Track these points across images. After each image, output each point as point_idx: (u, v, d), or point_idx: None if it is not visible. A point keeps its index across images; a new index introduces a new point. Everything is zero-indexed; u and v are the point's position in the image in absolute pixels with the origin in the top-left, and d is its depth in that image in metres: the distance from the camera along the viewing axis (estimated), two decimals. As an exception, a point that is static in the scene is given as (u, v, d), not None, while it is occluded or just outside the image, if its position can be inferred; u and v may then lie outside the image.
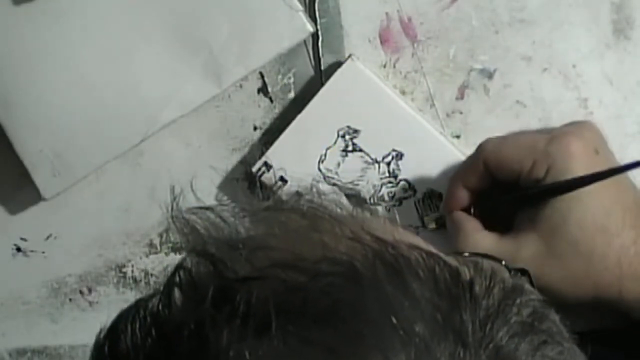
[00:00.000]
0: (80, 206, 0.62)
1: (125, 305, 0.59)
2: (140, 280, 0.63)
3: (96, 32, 0.58)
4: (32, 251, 0.63)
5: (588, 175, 0.50)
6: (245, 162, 0.62)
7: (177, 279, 0.31)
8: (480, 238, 0.54)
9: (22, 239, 0.63)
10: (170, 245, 0.63)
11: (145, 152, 0.62)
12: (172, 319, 0.30)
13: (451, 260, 0.31)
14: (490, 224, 0.56)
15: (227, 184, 0.62)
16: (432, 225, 0.60)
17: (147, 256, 0.63)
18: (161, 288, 0.31)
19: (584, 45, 0.61)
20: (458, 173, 0.57)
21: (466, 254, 0.42)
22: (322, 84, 0.60)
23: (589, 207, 0.51)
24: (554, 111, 0.61)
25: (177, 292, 0.30)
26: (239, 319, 0.27)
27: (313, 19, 0.60)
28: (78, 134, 0.59)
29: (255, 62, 0.59)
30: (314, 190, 0.37)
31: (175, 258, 0.63)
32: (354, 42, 0.61)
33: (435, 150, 0.60)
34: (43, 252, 0.63)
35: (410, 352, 0.27)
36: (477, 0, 0.61)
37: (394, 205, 0.60)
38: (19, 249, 0.63)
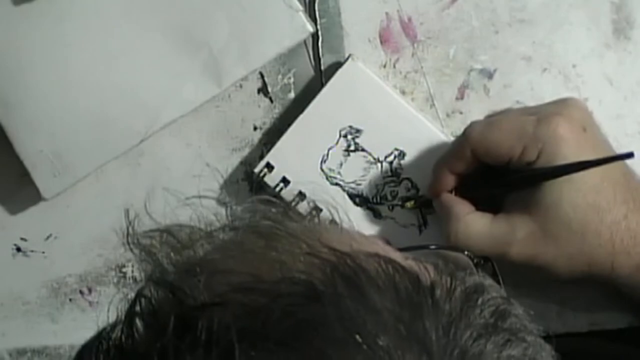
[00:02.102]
0: (80, 206, 0.62)
1: (125, 305, 0.59)
2: (141, 280, 0.63)
3: (96, 32, 0.58)
4: (32, 251, 0.63)
5: (580, 162, 0.51)
6: (246, 163, 0.62)
7: (138, 308, 0.31)
8: (472, 220, 0.54)
9: (22, 239, 0.63)
10: (170, 245, 0.63)
11: (145, 152, 0.62)
12: (136, 349, 0.29)
13: (411, 265, 0.30)
14: (474, 206, 0.56)
15: (228, 184, 0.62)
16: (410, 205, 0.60)
17: (147, 256, 0.63)
18: (122, 318, 0.31)
19: (584, 45, 0.61)
20: (443, 158, 0.57)
21: (432, 247, 0.41)
22: (323, 84, 0.60)
23: (580, 186, 0.51)
24: (554, 111, 0.61)
25: (138, 322, 0.30)
26: (202, 347, 0.27)
27: (313, 19, 0.60)
28: (78, 134, 0.59)
29: (255, 62, 0.59)
30: (267, 203, 0.36)
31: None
32: (354, 42, 0.61)
33: (437, 149, 0.60)
34: (43, 252, 0.63)
35: None
36: (477, 0, 0.61)
37: (397, 205, 0.60)
38: (19, 249, 0.63)
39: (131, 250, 0.34)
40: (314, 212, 0.45)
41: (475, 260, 0.42)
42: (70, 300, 0.63)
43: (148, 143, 0.60)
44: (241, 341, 0.27)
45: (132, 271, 0.63)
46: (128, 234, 0.35)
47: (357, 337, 0.27)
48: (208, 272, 0.30)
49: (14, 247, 0.63)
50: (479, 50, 0.61)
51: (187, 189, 0.62)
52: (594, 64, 0.61)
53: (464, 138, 0.55)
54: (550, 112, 0.53)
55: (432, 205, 0.59)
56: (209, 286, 0.30)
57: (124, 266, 0.63)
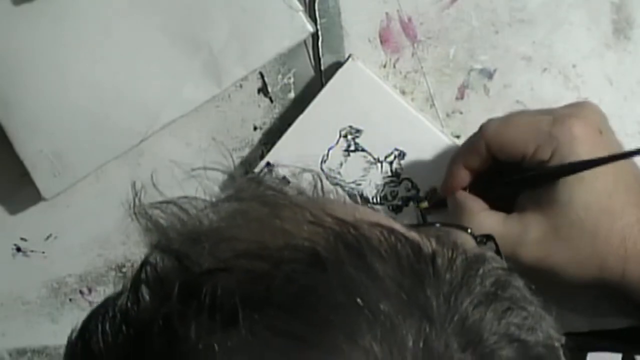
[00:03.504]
0: (80, 206, 0.62)
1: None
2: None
3: (96, 32, 0.58)
4: (32, 251, 0.63)
5: (595, 159, 0.50)
6: (246, 163, 0.62)
7: (144, 275, 0.31)
8: (485, 217, 0.54)
9: (22, 239, 0.63)
10: (170, 245, 0.63)
11: (145, 152, 0.62)
12: (141, 316, 0.30)
13: (413, 235, 0.31)
14: (487, 204, 0.56)
15: (227, 185, 0.62)
16: (425, 205, 0.60)
17: (147, 256, 0.63)
18: (129, 285, 0.31)
19: (584, 45, 0.61)
20: (459, 154, 0.57)
21: (437, 225, 0.41)
22: (323, 84, 0.60)
23: (594, 188, 0.51)
24: (554, 111, 0.61)
25: (144, 289, 0.30)
26: (206, 312, 0.27)
27: (313, 19, 0.60)
28: (78, 134, 0.59)
29: (255, 62, 0.59)
30: (274, 176, 0.37)
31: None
32: (354, 42, 0.61)
33: (437, 149, 0.60)
34: (43, 252, 0.63)
35: (377, 331, 0.27)
36: (477, 0, 0.61)
37: (397, 205, 0.60)
38: (19, 249, 0.63)
39: (137, 220, 0.34)
40: (317, 185, 0.45)
41: (478, 239, 0.42)
42: (70, 300, 0.63)
43: (148, 143, 0.60)
44: (245, 306, 0.27)
45: (132, 271, 0.63)
46: (134, 204, 0.35)
47: (359, 302, 0.27)
48: (213, 240, 0.31)
49: (14, 247, 0.63)
50: (479, 50, 0.61)
51: (187, 189, 0.62)
52: (594, 64, 0.61)
53: (479, 133, 0.55)
54: (566, 113, 0.53)
55: (446, 204, 0.58)
56: (214, 253, 0.30)
57: (124, 266, 0.63)
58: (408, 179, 0.60)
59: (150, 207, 0.35)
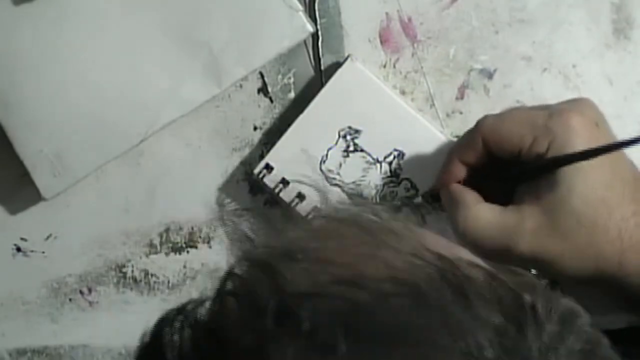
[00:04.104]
0: (80, 206, 0.62)
1: (125, 306, 0.59)
2: (140, 280, 0.63)
3: (96, 32, 0.58)
4: (32, 251, 0.63)
5: (593, 149, 0.50)
6: (246, 163, 0.62)
7: (231, 286, 0.30)
8: (482, 210, 0.53)
9: (22, 239, 0.63)
10: (170, 245, 0.63)
11: (145, 152, 0.62)
12: (228, 328, 0.29)
13: (512, 280, 0.30)
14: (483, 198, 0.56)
15: (228, 184, 0.63)
16: (419, 200, 0.60)
17: (147, 256, 0.63)
18: (207, 295, 0.30)
19: (584, 45, 0.61)
20: (455, 148, 0.57)
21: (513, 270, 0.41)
22: (322, 84, 0.60)
23: (591, 180, 0.51)
24: (554, 111, 0.62)
25: (231, 300, 0.30)
26: (304, 338, 0.27)
27: (313, 19, 0.60)
28: (78, 134, 0.59)
29: (255, 62, 0.59)
30: (368, 200, 0.36)
31: (175, 258, 0.63)
32: (354, 42, 0.61)
33: (437, 149, 0.60)
34: (43, 252, 0.63)
35: None
36: (477, 0, 0.61)
37: (397, 205, 0.60)
38: (19, 249, 0.63)
39: (222, 225, 0.34)
40: (408, 212, 0.45)
41: (546, 285, 0.42)
42: (70, 300, 0.63)
43: (148, 143, 0.60)
44: (345, 337, 0.26)
45: (132, 271, 0.63)
46: (219, 210, 0.35)
47: (464, 346, 0.27)
48: (310, 261, 0.30)
49: (14, 247, 0.63)
50: (479, 50, 0.62)
51: (187, 189, 0.63)
52: (594, 64, 0.61)
53: (475, 128, 0.55)
54: (563, 108, 0.53)
55: (439, 198, 0.58)
56: (310, 275, 0.29)
57: (124, 266, 0.63)
58: (407, 179, 0.60)
59: (231, 214, 0.35)
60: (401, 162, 0.60)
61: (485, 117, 0.55)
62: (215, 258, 0.63)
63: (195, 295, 0.63)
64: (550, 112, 0.53)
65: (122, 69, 0.58)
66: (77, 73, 0.58)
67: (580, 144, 0.51)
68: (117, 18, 0.58)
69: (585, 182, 0.51)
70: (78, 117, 0.58)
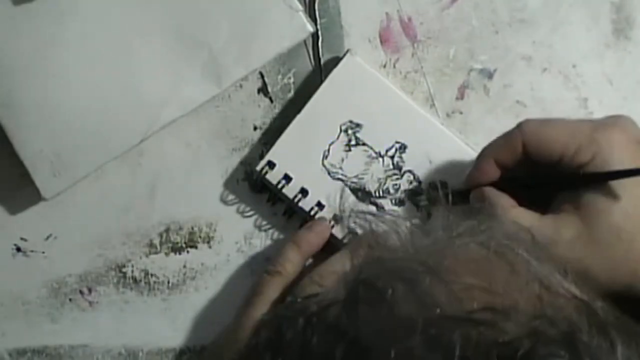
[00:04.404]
0: (80, 206, 0.62)
1: (125, 306, 0.59)
2: (140, 280, 0.63)
3: (96, 32, 0.58)
4: (32, 251, 0.63)
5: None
6: (246, 163, 0.62)
7: (363, 293, 0.30)
8: (520, 213, 0.53)
9: (22, 239, 0.63)
10: (170, 245, 0.63)
11: (145, 152, 0.62)
12: (366, 338, 0.28)
13: (631, 322, 0.30)
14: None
15: (228, 184, 0.63)
16: (424, 203, 0.60)
17: (147, 256, 0.63)
18: (329, 296, 0.30)
19: (584, 45, 0.61)
20: (491, 147, 0.56)
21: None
22: (322, 83, 0.60)
23: (635, 197, 0.51)
24: (554, 111, 0.62)
25: (368, 310, 0.29)
26: None
27: (313, 19, 0.60)
28: (78, 134, 0.59)
29: (255, 62, 0.59)
30: (500, 227, 0.35)
31: (175, 258, 0.63)
32: (354, 42, 0.61)
33: (438, 141, 0.60)
34: (43, 252, 0.63)
35: None
36: (477, 0, 0.61)
37: (400, 198, 0.60)
38: (19, 249, 0.63)
39: (347, 227, 0.33)
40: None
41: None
42: (70, 300, 0.63)
43: (148, 143, 0.60)
44: None
45: (132, 271, 0.63)
46: (342, 208, 0.34)
47: None
48: (458, 283, 0.30)
49: (14, 247, 0.63)
50: (479, 50, 0.62)
51: (187, 189, 0.63)
52: (594, 64, 0.61)
53: (517, 130, 0.54)
54: (606, 122, 0.53)
55: (462, 196, 0.58)
56: (459, 298, 0.29)
57: (124, 266, 0.63)
58: (410, 171, 0.60)
59: (358, 215, 0.34)
60: (403, 154, 0.60)
61: (528, 120, 0.54)
62: (215, 258, 0.63)
63: (194, 295, 0.63)
64: (595, 124, 0.52)
65: (122, 69, 0.58)
66: (77, 73, 0.58)
67: (625, 160, 0.51)
68: (117, 18, 0.58)
69: (629, 198, 0.51)
70: (78, 117, 0.58)
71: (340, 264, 0.52)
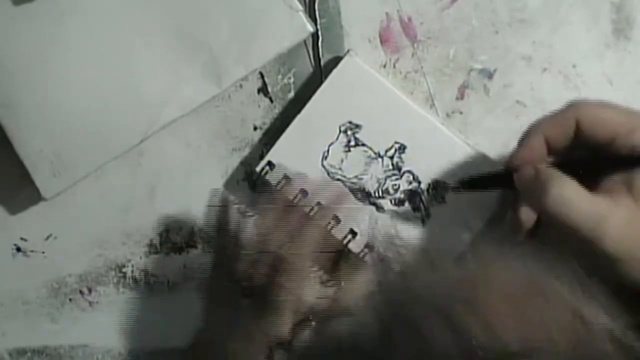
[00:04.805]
0: (80, 206, 0.62)
1: (125, 306, 0.59)
2: (140, 280, 0.63)
3: (96, 33, 0.58)
4: (32, 251, 0.63)
5: None
6: (246, 163, 0.62)
7: (396, 323, 0.29)
8: (575, 192, 0.49)
9: (22, 239, 0.63)
10: (170, 245, 0.63)
11: (145, 152, 0.62)
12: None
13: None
14: None
15: (228, 184, 0.63)
16: (457, 186, 0.59)
17: (147, 256, 0.63)
18: (359, 321, 0.30)
19: (584, 45, 0.61)
20: (541, 124, 0.53)
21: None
22: (322, 83, 0.60)
23: None
24: (554, 111, 0.62)
25: (398, 338, 0.29)
26: None
27: (313, 19, 0.60)
28: (78, 134, 0.59)
29: (255, 62, 0.59)
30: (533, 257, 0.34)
31: (175, 258, 0.63)
32: (354, 42, 0.61)
33: (437, 141, 0.60)
34: (43, 252, 0.63)
35: None
36: (477, 0, 0.61)
37: (400, 198, 0.60)
38: (19, 249, 0.63)
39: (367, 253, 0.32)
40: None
41: None
42: (70, 300, 0.63)
43: (148, 143, 0.60)
44: None
45: (132, 271, 0.63)
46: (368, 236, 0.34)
47: None
48: (492, 313, 0.29)
49: (14, 247, 0.63)
50: (479, 50, 0.61)
51: (187, 189, 0.63)
52: (594, 64, 0.61)
53: (571, 107, 0.52)
54: None
55: (476, 185, 0.57)
56: (494, 328, 0.29)
57: (124, 266, 0.63)
58: (409, 171, 0.60)
59: (384, 239, 0.34)
60: (402, 154, 0.60)
61: (581, 100, 0.52)
62: (215, 258, 0.63)
63: (194, 295, 0.63)
64: None
65: (122, 68, 0.58)
66: (77, 73, 0.58)
67: None
68: (117, 18, 0.58)
69: None
70: (78, 117, 0.58)
71: (365, 287, 0.51)
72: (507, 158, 0.55)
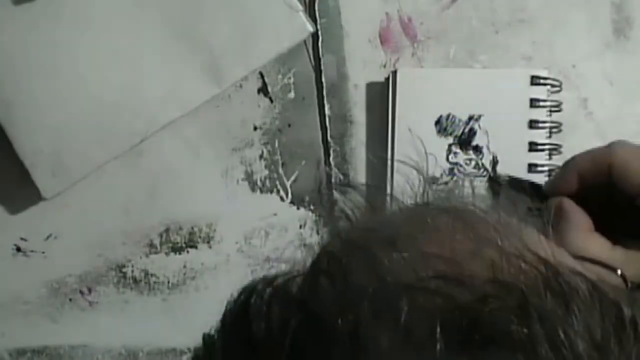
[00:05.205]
0: (80, 206, 0.62)
1: (125, 306, 0.59)
2: (140, 280, 0.63)
3: (96, 32, 0.58)
4: (32, 251, 0.63)
5: None
6: (246, 163, 0.62)
7: (325, 265, 0.29)
8: (590, 238, 0.50)
9: (22, 239, 0.63)
10: (170, 245, 0.63)
11: (145, 152, 0.62)
12: (321, 308, 0.28)
13: (610, 291, 0.29)
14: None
15: (228, 184, 0.62)
16: (506, 180, 0.59)
17: (147, 256, 0.63)
18: (296, 270, 0.30)
19: (584, 45, 0.61)
20: (577, 159, 0.53)
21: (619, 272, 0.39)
22: (322, 84, 0.60)
23: None
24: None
25: (326, 281, 0.29)
26: (402, 331, 0.26)
27: (313, 19, 0.60)
28: (78, 134, 0.59)
29: (255, 62, 0.59)
30: (464, 187, 0.34)
31: (175, 258, 0.63)
32: (354, 42, 0.61)
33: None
34: (43, 252, 0.63)
35: None
36: (477, 0, 0.61)
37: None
38: (19, 249, 0.63)
39: (320, 201, 0.33)
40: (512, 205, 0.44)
41: (629, 284, 0.40)
42: (70, 300, 0.63)
43: (148, 143, 0.60)
44: (444, 335, 0.26)
45: (132, 271, 0.63)
46: (320, 182, 0.33)
47: (562, 358, 0.26)
48: (411, 250, 0.29)
49: (14, 247, 0.63)
50: (479, 50, 0.61)
51: (187, 189, 0.63)
52: (594, 64, 0.61)
53: (607, 149, 0.52)
54: None
55: (515, 185, 0.58)
56: (411, 266, 0.28)
57: (124, 266, 0.63)
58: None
59: (335, 187, 0.33)
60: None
61: (623, 142, 0.52)
62: (215, 258, 0.63)
63: (194, 295, 0.63)
64: None
65: (122, 68, 0.58)
66: (77, 73, 0.58)
67: None
68: (117, 18, 0.58)
69: None
70: (78, 117, 0.58)
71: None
72: (545, 185, 0.56)
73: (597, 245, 0.50)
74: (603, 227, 0.51)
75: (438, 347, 0.26)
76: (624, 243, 0.50)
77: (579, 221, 0.51)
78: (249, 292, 0.30)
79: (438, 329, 0.26)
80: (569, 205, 0.52)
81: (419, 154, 0.57)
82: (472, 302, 0.27)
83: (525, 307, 0.27)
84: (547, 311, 0.27)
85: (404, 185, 0.34)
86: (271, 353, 0.28)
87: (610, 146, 0.52)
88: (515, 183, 0.59)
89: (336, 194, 0.34)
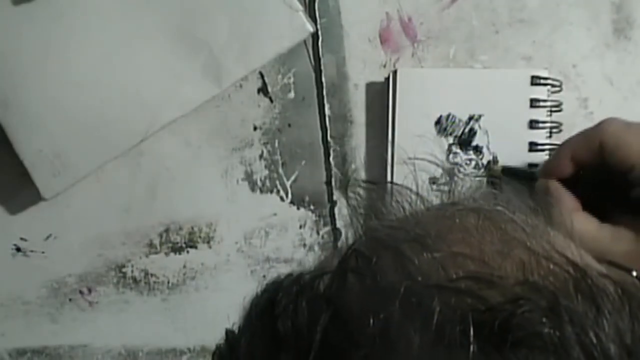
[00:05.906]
0: (80, 206, 0.62)
1: (125, 306, 0.59)
2: (140, 280, 0.63)
3: (96, 32, 0.58)
4: (32, 251, 0.63)
5: None
6: (246, 163, 0.62)
7: (354, 264, 0.29)
8: (580, 219, 0.51)
9: (22, 239, 0.63)
10: (170, 245, 0.63)
11: (145, 152, 0.62)
12: (350, 306, 0.28)
13: (638, 293, 0.29)
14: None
15: (228, 184, 0.62)
16: (498, 170, 0.60)
17: (147, 256, 0.63)
18: (324, 267, 0.30)
19: (584, 45, 0.61)
20: (569, 142, 0.54)
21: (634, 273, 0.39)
22: (322, 84, 0.60)
23: None
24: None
25: (355, 279, 0.29)
26: (433, 331, 0.26)
27: (313, 19, 0.60)
28: (78, 134, 0.59)
29: (255, 62, 0.59)
30: (491, 190, 0.34)
31: (175, 258, 0.63)
32: (354, 42, 0.61)
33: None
34: (43, 252, 0.63)
35: None
36: (477, 0, 0.61)
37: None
38: (19, 249, 0.63)
39: (346, 197, 0.32)
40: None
41: None
42: (70, 300, 0.63)
43: (148, 143, 0.60)
44: (477, 337, 0.26)
45: (132, 271, 0.63)
46: (345, 180, 0.33)
47: None
48: (441, 250, 0.29)
49: (14, 247, 0.63)
50: (479, 50, 0.61)
51: (187, 189, 0.63)
52: (594, 64, 0.61)
53: (598, 127, 0.52)
54: None
55: (510, 173, 0.58)
56: (442, 266, 0.28)
57: (124, 266, 0.63)
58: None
59: (358, 185, 0.33)
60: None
61: (612, 119, 0.52)
62: (215, 258, 0.63)
63: (194, 295, 0.63)
64: None
65: (122, 68, 0.58)
66: (77, 73, 0.58)
67: None
68: (117, 18, 0.58)
69: None
70: (78, 117, 0.58)
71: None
72: (539, 168, 0.57)
73: (585, 226, 0.51)
74: (598, 205, 0.52)
75: (472, 348, 0.26)
76: (617, 219, 0.51)
77: (567, 201, 0.52)
78: (274, 289, 0.30)
79: (472, 330, 0.26)
80: (555, 186, 0.54)
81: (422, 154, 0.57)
82: (503, 303, 0.27)
83: (557, 309, 0.27)
84: (578, 313, 0.27)
85: (411, 185, 0.34)
86: (297, 350, 0.28)
87: (600, 124, 0.52)
88: (510, 172, 0.60)
89: (361, 193, 0.34)
